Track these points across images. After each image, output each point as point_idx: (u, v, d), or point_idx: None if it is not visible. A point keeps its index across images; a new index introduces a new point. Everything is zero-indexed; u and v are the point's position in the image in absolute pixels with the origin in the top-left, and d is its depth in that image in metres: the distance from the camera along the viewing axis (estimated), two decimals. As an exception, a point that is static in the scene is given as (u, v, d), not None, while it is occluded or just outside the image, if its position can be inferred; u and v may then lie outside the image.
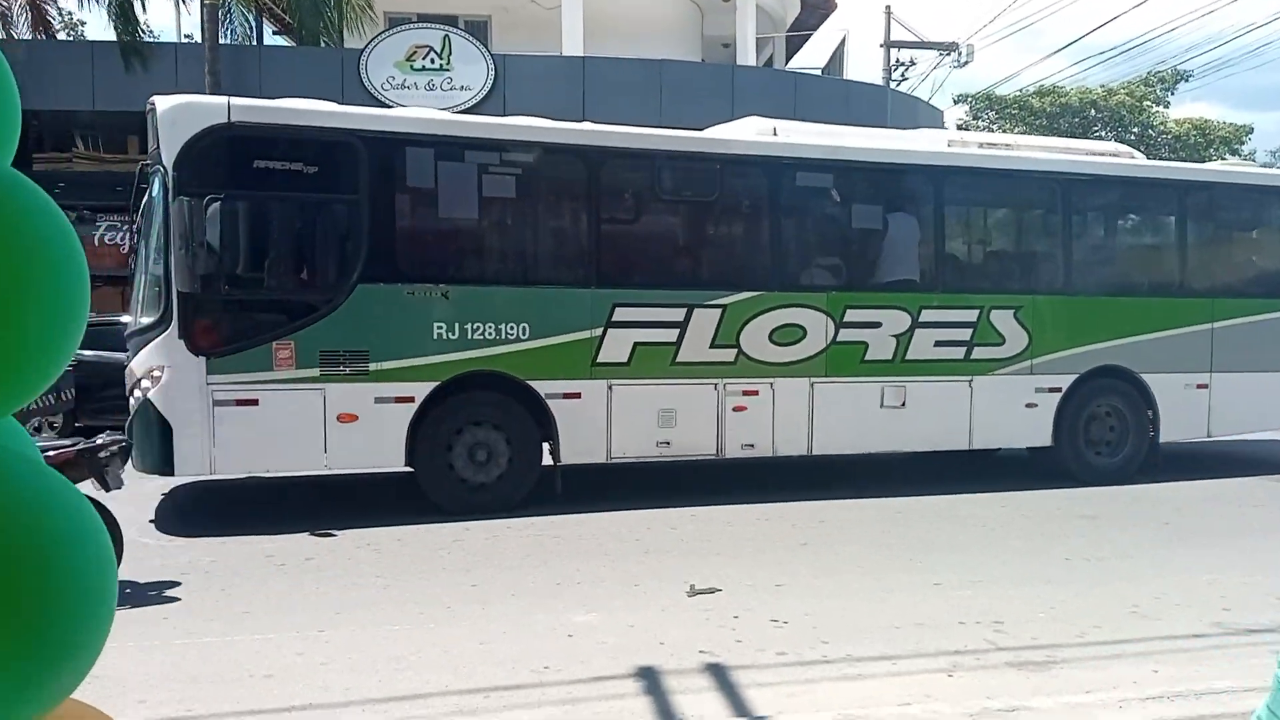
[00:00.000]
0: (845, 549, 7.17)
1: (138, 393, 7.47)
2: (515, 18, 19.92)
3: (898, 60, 28.32)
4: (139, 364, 7.50)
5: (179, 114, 7.40)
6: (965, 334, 9.35)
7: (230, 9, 16.43)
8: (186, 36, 18.00)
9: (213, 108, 7.51)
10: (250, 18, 18.41)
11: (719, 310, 8.57)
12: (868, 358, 9.05)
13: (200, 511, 8.16)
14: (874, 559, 6.90)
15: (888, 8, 27.04)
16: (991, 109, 38.51)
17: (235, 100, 7.65)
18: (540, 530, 7.55)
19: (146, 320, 7.57)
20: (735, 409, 8.69)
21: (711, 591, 6.02)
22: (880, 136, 10.05)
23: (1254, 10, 65.82)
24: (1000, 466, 10.43)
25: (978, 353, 9.39)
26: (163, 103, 7.48)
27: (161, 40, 16.15)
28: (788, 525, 7.84)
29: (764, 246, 9.03)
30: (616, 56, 17.34)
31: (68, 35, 18.26)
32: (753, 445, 8.80)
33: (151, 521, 7.71)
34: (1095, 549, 7.26)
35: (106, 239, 15.09)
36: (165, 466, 7.39)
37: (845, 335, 8.96)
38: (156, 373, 7.35)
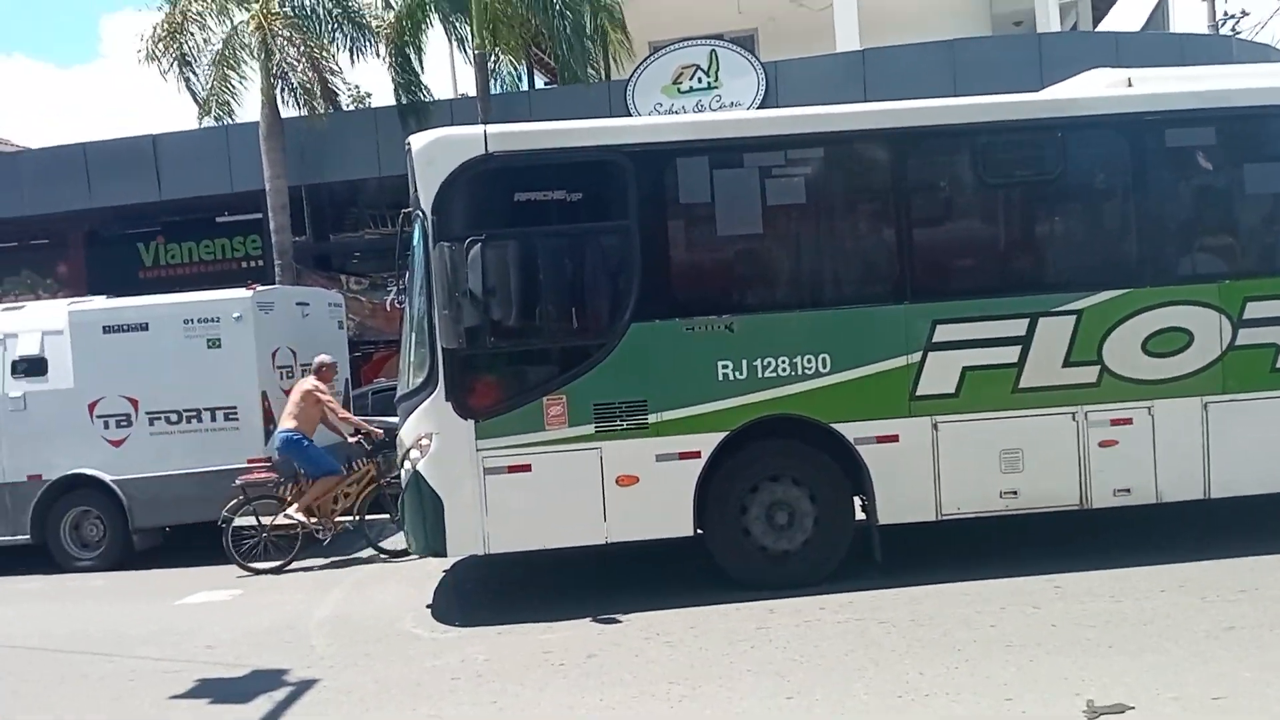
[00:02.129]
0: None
1: (407, 464, 6.86)
2: (783, 27, 18.77)
3: (1226, 13, 24.28)
4: (407, 432, 6.90)
5: (434, 150, 6.78)
6: None
7: (498, 60, 16.46)
8: (462, 94, 18.29)
9: (469, 139, 6.82)
10: (518, 67, 18.52)
11: (1073, 318, 6.77)
12: (1280, 365, 6.86)
13: (479, 593, 7.43)
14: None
15: (1210, -48, 23.23)
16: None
17: (492, 129, 6.95)
18: (862, 612, 6.10)
19: (414, 383, 6.96)
20: (1102, 444, 6.81)
21: (1120, 710, 4.35)
22: (1267, 74, 7.79)
23: None
24: None
25: None
26: (418, 141, 6.91)
27: (438, 99, 16.40)
28: (1197, 599, 5.88)
29: (1128, 231, 7.08)
30: (899, 44, 15.66)
31: (354, 106, 19.17)
32: (1128, 490, 6.86)
33: (428, 607, 7.05)
34: None
35: (398, 303, 15.36)
36: (438, 546, 6.71)
37: (1247, 337, 6.83)
38: (425, 441, 6.70)
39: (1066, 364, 6.79)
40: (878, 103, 7.43)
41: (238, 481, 8.87)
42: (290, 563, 8.67)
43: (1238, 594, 5.90)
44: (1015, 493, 6.82)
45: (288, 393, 9.64)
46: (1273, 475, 6.91)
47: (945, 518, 6.81)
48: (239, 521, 8.81)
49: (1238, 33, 22.24)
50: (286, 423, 8.88)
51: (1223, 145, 7.12)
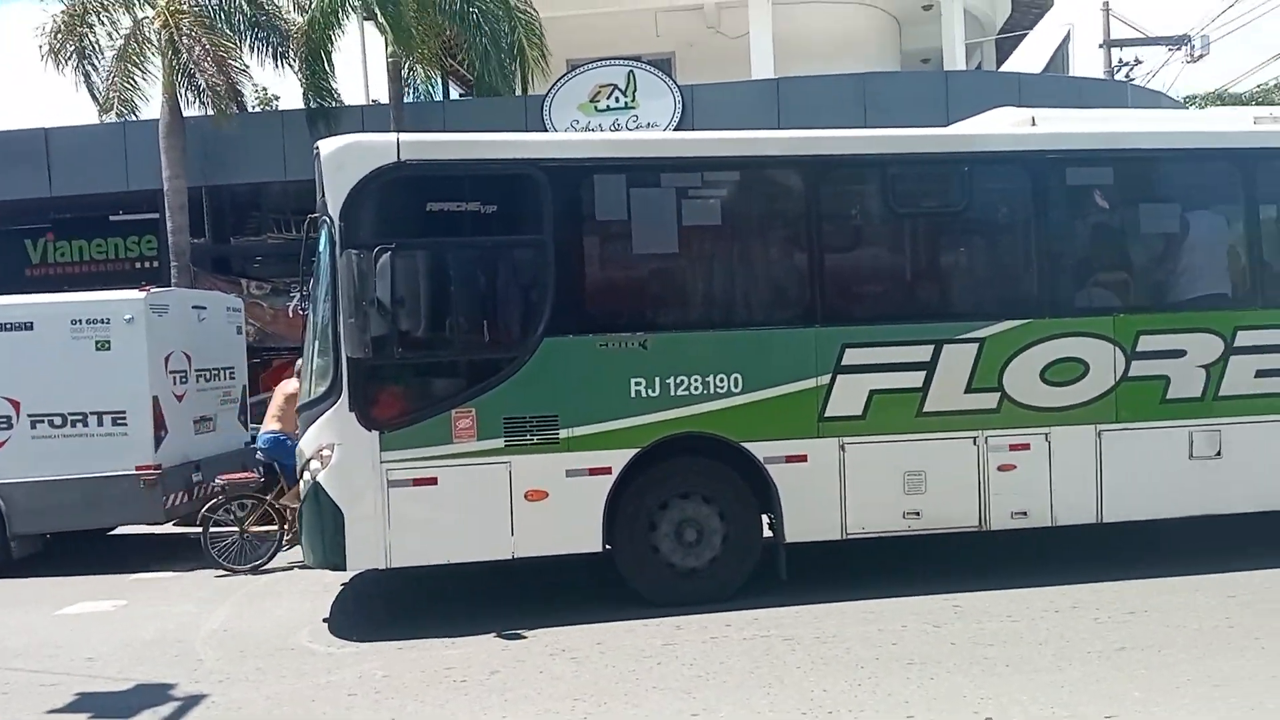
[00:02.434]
0: (1181, 655, 5.38)
1: (307, 475, 6.63)
2: (700, 52, 19.02)
3: (1120, 61, 25.53)
4: (308, 443, 6.68)
5: (344, 156, 6.60)
6: (1297, 360, 7.29)
7: (412, 69, 16.22)
8: (374, 100, 17.97)
9: (381, 146, 6.67)
10: (435, 78, 18.29)
11: (975, 345, 6.95)
12: (1170, 396, 7.15)
13: (379, 608, 7.21)
14: (1231, 670, 5.08)
15: (1105, 4, 24.41)
16: (1226, 108, 34.44)
17: (405, 137, 6.83)
18: (767, 629, 6.12)
19: (316, 393, 6.75)
20: (1001, 468, 7.00)
21: (1017, 728, 4.44)
22: (1167, 119, 8.19)
23: None
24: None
25: (1314, 382, 7.30)
26: (328, 146, 6.73)
27: (348, 105, 16.07)
28: (1089, 619, 6.07)
29: (1029, 264, 7.33)
30: (812, 74, 16.00)
31: (261, 108, 18.67)
32: (1025, 513, 7.06)
33: (325, 621, 6.82)
34: None
35: (300, 309, 14.91)
36: (336, 559, 6.50)
37: (1139, 369, 7.11)
38: (326, 452, 6.49)
39: (969, 390, 6.96)
40: (793, 130, 7.56)
41: (218, 481, 8.76)
42: (268, 562, 8.45)
43: (1127, 615, 6.11)
44: (918, 513, 6.95)
45: (180, 398, 9.29)
46: (1160, 502, 7.20)
47: (850, 536, 6.90)
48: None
49: (1132, 79, 23.45)
50: (270, 424, 8.68)
51: (1119, 185, 7.41)
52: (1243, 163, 7.42)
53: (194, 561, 8.66)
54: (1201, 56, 24.46)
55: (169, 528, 9.81)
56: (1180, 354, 7.15)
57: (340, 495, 6.44)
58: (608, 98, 15.32)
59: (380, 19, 13.77)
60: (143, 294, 9.05)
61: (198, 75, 14.53)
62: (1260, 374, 7.25)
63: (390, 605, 7.23)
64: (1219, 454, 7.19)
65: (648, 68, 15.62)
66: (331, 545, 6.46)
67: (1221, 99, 34.41)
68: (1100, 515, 7.12)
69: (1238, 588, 6.56)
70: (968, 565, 7.30)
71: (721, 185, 7.13)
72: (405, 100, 15.75)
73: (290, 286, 15.25)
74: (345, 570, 6.75)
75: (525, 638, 6.14)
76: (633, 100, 15.20)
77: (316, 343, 6.94)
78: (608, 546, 6.71)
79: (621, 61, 15.70)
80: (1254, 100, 31.08)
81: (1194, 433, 7.17)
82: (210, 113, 14.70)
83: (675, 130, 14.35)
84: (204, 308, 10.15)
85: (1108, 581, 6.77)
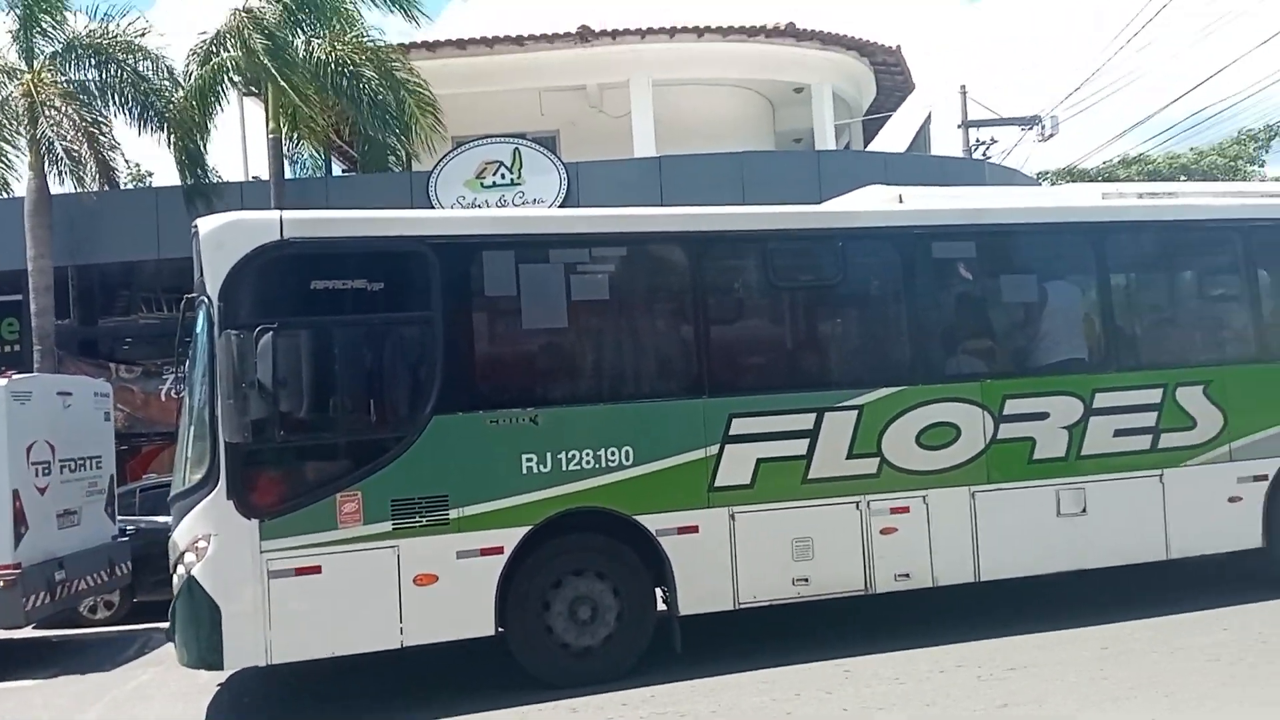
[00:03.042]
0: (1062, 708, 5.57)
1: (181, 569, 6.34)
2: (583, 131, 19.37)
3: (978, 140, 27.16)
4: (182, 534, 6.40)
5: (225, 235, 6.48)
6: (1149, 418, 7.78)
7: (296, 142, 16.08)
8: (254, 177, 17.69)
9: (263, 224, 6.57)
10: (318, 152, 18.14)
11: (855, 412, 7.19)
12: (1037, 456, 7.53)
13: (258, 709, 6.87)
14: (1107, 723, 5.29)
15: (963, 87, 26.00)
16: (1077, 184, 36.88)
17: (289, 214, 6.74)
18: (664, 706, 6.09)
19: (191, 480, 6.49)
20: (883, 531, 7.21)
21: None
22: (1023, 195, 8.74)
23: (1336, 59, 63.35)
24: (1192, 574, 8.57)
25: (1166, 440, 7.80)
26: (207, 224, 6.60)
27: (227, 181, 15.79)
28: (972, 677, 6.25)
29: (901, 333, 7.67)
30: (692, 153, 16.50)
31: (133, 184, 18.16)
32: (908, 575, 7.27)
33: (201, 724, 6.49)
34: (1393, 690, 5.55)
35: (175, 393, 14.34)
36: (212, 658, 6.18)
37: (1007, 431, 7.47)
38: (202, 543, 6.22)
39: (850, 455, 7.18)
40: (676, 207, 7.77)
41: None
42: None
43: (1008, 671, 6.31)
44: (806, 579, 7.07)
45: (43, 490, 8.79)
46: (1032, 559, 7.51)
47: (742, 606, 6.96)
48: None
49: (989, 157, 24.94)
50: None
51: (982, 258, 7.86)
52: (1094, 235, 7.98)
53: (57, 666, 8.13)
54: (1051, 136, 26.18)
55: (28, 631, 9.20)
56: (1044, 416, 7.54)
57: (216, 589, 6.16)
58: (494, 174, 15.46)
59: (266, 95, 13.59)
60: (3, 380, 8.59)
61: (64, 150, 14.09)
62: (1118, 433, 7.70)
63: (270, 704, 6.90)
64: (1084, 511, 7.57)
65: (533, 145, 15.85)
66: (207, 643, 6.15)
67: (1071, 175, 36.94)
68: (978, 574, 7.38)
69: (1109, 639, 6.86)
70: (851, 625, 7.44)
71: (609, 260, 7.26)
72: (287, 176, 15.55)
73: (162, 369, 14.73)
74: (223, 669, 6.42)
75: (416, 729, 5.95)
76: (519, 177, 15.37)
77: (192, 428, 6.70)
78: (500, 629, 6.60)
79: (507, 139, 15.90)
80: (1100, 176, 33.51)
81: (1060, 491, 7.55)
82: (78, 189, 14.21)
83: (561, 206, 14.56)
84: (69, 394, 9.66)
85: (988, 639, 6.99)
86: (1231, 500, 7.90)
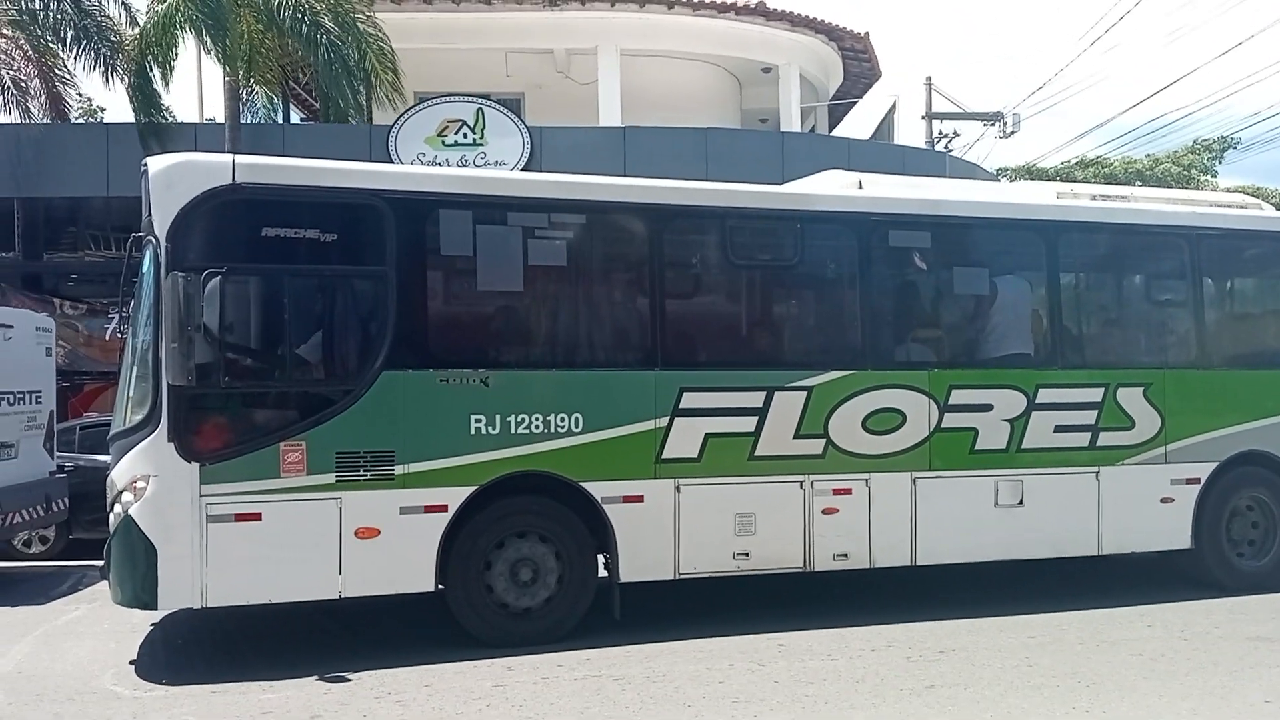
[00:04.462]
0: (985, 692, 5.72)
1: (118, 508, 6.23)
2: (549, 95, 19.23)
3: (940, 133, 27.40)
4: (120, 473, 6.28)
5: (175, 175, 6.33)
6: (1089, 416, 7.96)
7: (252, 89, 15.73)
8: (209, 119, 17.28)
9: (215, 167, 6.42)
10: (275, 99, 17.76)
11: (804, 393, 7.26)
12: (978, 447, 7.68)
13: (191, 650, 6.80)
14: (1029, 708, 5.45)
15: (928, 79, 26.19)
16: (1034, 182, 37.36)
17: (241, 159, 6.58)
18: (599, 669, 6.15)
19: (132, 421, 6.37)
20: (825, 511, 7.31)
21: (834, 762, 4.61)
22: (981, 189, 8.83)
23: (1289, 79, 64.74)
24: (1123, 570, 8.86)
25: (1104, 439, 7.99)
26: (157, 163, 6.43)
27: (181, 122, 15.40)
28: (902, 658, 6.38)
29: (854, 318, 7.73)
30: (658, 126, 16.45)
31: (85, 120, 17.65)
32: (846, 555, 7.39)
33: (132, 663, 6.39)
34: (1300, 687, 5.78)
35: (119, 334, 14.03)
36: (147, 598, 6.10)
37: (951, 420, 7.61)
38: (140, 483, 6.12)
39: (797, 435, 7.26)
40: (639, 178, 7.74)
41: None
42: None
43: (938, 654, 6.46)
44: (747, 554, 7.15)
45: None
46: (968, 547, 7.68)
47: (683, 576, 7.02)
48: None
49: (950, 150, 25.18)
50: None
51: (937, 248, 7.93)
52: (1046, 234, 8.11)
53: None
54: (1013, 133, 26.46)
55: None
56: (988, 408, 7.69)
57: (154, 530, 6.07)
58: (456, 133, 15.30)
59: (222, 37, 13.24)
60: (-60, 310, 8.35)
61: (10, 79, 13.65)
62: (1059, 429, 7.88)
63: (204, 648, 6.83)
64: (1021, 502, 7.74)
65: (497, 106, 15.70)
66: (142, 583, 6.07)
67: (1030, 173, 37.51)
68: (914, 558, 7.52)
69: (1037, 629, 7.04)
70: (790, 602, 7.56)
71: (568, 227, 7.21)
72: (243, 121, 15.21)
73: (108, 308, 14.42)
74: (156, 609, 6.34)
75: (349, 680, 5.93)
76: (481, 137, 15.22)
77: (135, 368, 6.57)
78: (440, 586, 6.59)
79: (471, 98, 15.71)
80: (1058, 176, 34.03)
81: (999, 482, 7.71)
82: (24, 120, 13.78)
83: (523, 170, 14.44)
84: (10, 326, 9.41)
85: (921, 622, 7.15)
86: (1164, 501, 8.13)
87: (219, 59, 13.70)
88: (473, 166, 14.72)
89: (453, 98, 15.53)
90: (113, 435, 6.64)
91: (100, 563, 6.59)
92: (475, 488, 6.57)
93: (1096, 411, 7.96)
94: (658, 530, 6.95)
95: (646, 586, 7.01)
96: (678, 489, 7.00)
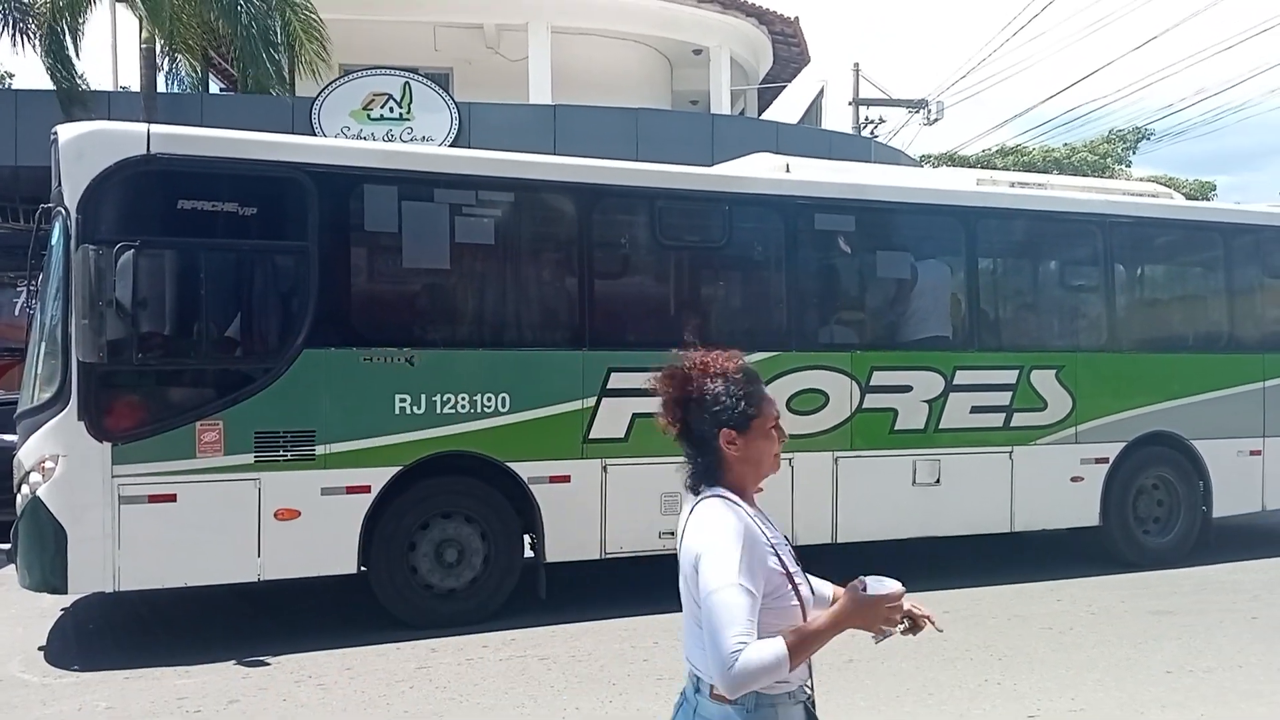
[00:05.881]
0: (902, 665, 5.86)
1: (25, 489, 6.03)
2: (478, 70, 18.96)
3: (867, 118, 27.77)
4: (28, 453, 6.08)
5: (86, 144, 6.10)
6: (1004, 398, 8.19)
7: (173, 57, 15.22)
8: (123, 87, 16.67)
9: (128, 136, 6.21)
10: (195, 67, 17.21)
11: (730, 375, 7.32)
12: (897, 427, 7.85)
13: (103, 635, 6.62)
14: (943, 680, 5.61)
15: (855, 65, 26.53)
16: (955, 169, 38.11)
17: (156, 128, 6.36)
18: (524, 649, 6.16)
19: (40, 399, 6.16)
20: (750, 490, 7.39)
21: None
22: (904, 175, 8.97)
23: (1206, 78, 67.33)
24: (1036, 547, 9.17)
25: (1018, 419, 8.23)
26: (67, 131, 6.19)
27: (95, 90, 14.82)
28: (823, 633, 6.51)
29: (779, 300, 7.82)
30: (588, 105, 16.36)
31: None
32: (769, 533, 7.48)
33: (40, 649, 6.20)
34: (1194, 658, 6.07)
35: (29, 308, 13.53)
36: (56, 582, 5.92)
37: (872, 401, 7.76)
38: (49, 463, 5.93)
39: (723, 416, 7.30)
40: (569, 157, 7.69)
41: None
42: None
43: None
44: (673, 533, 7.18)
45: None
46: (887, 525, 7.86)
47: (609, 556, 7.06)
48: None
49: (876, 136, 25.54)
50: None
51: (861, 232, 8.06)
52: (965, 219, 8.29)
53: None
54: (937, 120, 26.95)
55: None
56: (907, 389, 7.85)
57: (63, 511, 5.89)
58: (382, 107, 15.03)
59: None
60: None
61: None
62: (975, 410, 8.09)
63: (116, 633, 6.67)
64: (938, 481, 7.94)
65: (425, 81, 15.45)
66: (51, 566, 5.89)
67: (952, 160, 38.22)
68: (835, 536, 7.67)
69: (954, 604, 7.22)
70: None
71: (495, 205, 7.15)
72: (160, 90, 14.70)
73: (16, 282, 13.85)
74: (66, 593, 6.14)
75: (268, 664, 5.84)
76: (408, 112, 14.97)
77: (44, 344, 6.35)
78: (363, 568, 6.52)
79: (398, 71, 15.43)
80: (979, 163, 34.74)
81: (917, 461, 7.89)
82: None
83: (451, 146, 14.24)
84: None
85: (840, 598, 7.28)
86: (1074, 480, 8.42)
87: (144, 19, 13.19)
88: (399, 141, 14.47)
89: (379, 71, 15.25)
90: (20, 414, 6.42)
91: (6, 546, 6.37)
92: (399, 468, 6.51)
93: (1011, 393, 8.19)
94: (584, 510, 6.97)
95: (572, 566, 7.03)
96: (605, 469, 7.02)
